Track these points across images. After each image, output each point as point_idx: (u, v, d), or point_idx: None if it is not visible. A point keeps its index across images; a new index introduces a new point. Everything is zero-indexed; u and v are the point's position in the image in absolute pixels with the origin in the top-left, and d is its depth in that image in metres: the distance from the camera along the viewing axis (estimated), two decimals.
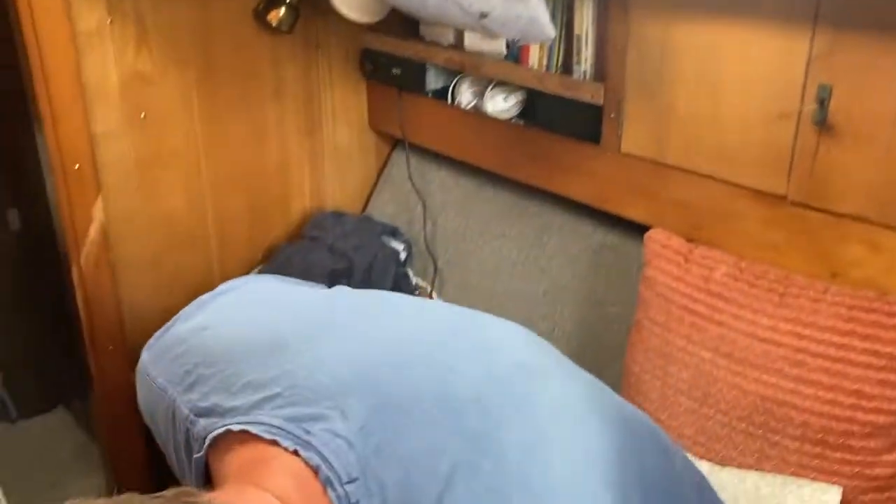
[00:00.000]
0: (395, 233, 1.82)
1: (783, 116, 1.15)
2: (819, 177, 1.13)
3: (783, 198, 1.18)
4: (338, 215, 1.85)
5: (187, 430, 0.73)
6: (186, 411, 0.73)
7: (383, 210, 1.93)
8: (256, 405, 0.68)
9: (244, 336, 0.76)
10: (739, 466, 1.13)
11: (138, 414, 1.70)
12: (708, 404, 1.17)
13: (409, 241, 1.81)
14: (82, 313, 1.66)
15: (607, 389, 0.79)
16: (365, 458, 0.62)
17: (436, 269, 1.79)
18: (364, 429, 0.63)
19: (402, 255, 1.78)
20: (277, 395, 0.68)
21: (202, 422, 0.71)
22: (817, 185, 1.14)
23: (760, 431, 1.11)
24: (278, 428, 0.64)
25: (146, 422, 0.84)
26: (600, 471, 0.65)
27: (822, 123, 1.10)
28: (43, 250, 2.14)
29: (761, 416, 1.11)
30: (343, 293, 0.87)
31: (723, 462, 1.15)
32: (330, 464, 0.61)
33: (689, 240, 1.29)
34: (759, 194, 1.21)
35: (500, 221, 1.72)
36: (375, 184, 1.98)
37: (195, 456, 0.70)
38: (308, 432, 0.63)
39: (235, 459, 0.66)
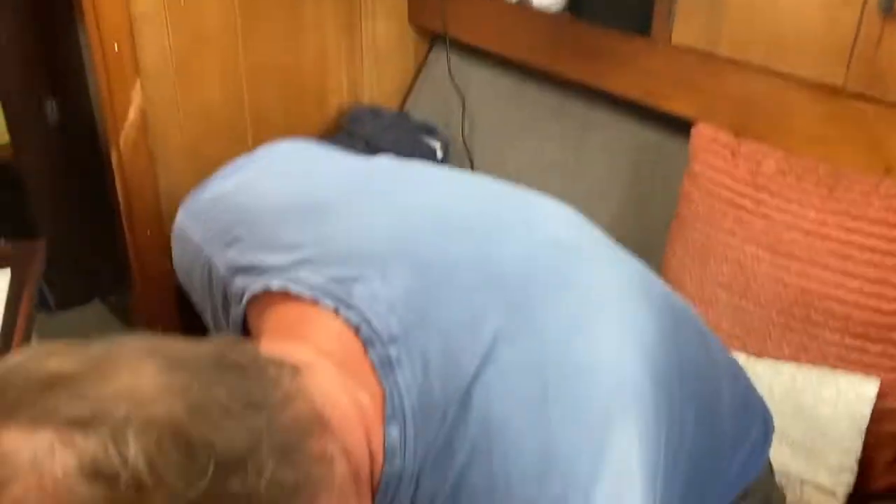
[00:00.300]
0: (432, 131, 1.80)
1: (846, 3, 1.11)
2: (880, 66, 1.09)
3: (840, 89, 1.14)
4: (375, 110, 1.83)
5: (224, 288, 0.72)
6: (223, 270, 0.71)
7: (421, 108, 1.90)
8: (295, 265, 0.66)
9: (282, 197, 0.75)
10: (776, 359, 1.12)
11: (176, 302, 1.73)
12: (747, 297, 1.16)
13: (447, 140, 1.79)
14: (121, 197, 1.67)
15: (652, 274, 0.78)
16: (407, 322, 0.60)
17: (472, 168, 1.78)
18: (406, 293, 0.62)
19: (439, 154, 1.77)
20: (317, 256, 0.66)
21: (239, 280, 0.69)
22: (878, 76, 1.10)
23: (800, 325, 1.10)
24: (319, 287, 0.63)
25: (182, 283, 0.83)
26: (642, 355, 0.64)
27: (889, 10, 1.06)
28: (81, 144, 2.15)
29: (802, 310, 1.10)
30: (384, 161, 0.85)
31: (759, 355, 1.14)
32: (371, 324, 0.60)
33: (737, 135, 1.26)
34: (814, 86, 1.17)
35: (540, 120, 1.69)
36: (413, 81, 1.95)
37: (233, 314, 0.69)
38: (349, 293, 0.62)
39: (274, 317, 0.65)
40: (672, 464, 0.64)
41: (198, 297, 0.78)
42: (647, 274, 0.77)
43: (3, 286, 1.14)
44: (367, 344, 0.60)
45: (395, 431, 0.57)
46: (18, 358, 0.47)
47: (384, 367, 0.59)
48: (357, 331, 0.60)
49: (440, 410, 0.57)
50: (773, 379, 1.09)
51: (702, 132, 1.28)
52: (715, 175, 1.23)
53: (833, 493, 1.03)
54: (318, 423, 0.52)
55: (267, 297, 0.66)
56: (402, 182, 0.77)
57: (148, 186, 1.68)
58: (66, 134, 2.33)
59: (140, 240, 1.73)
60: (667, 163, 1.45)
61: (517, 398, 0.58)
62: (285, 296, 0.64)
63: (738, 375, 0.82)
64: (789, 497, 0.99)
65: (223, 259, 0.72)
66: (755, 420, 0.82)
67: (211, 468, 0.44)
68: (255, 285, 0.67)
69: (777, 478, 0.91)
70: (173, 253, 0.82)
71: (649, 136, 1.50)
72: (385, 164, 0.82)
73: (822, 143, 1.18)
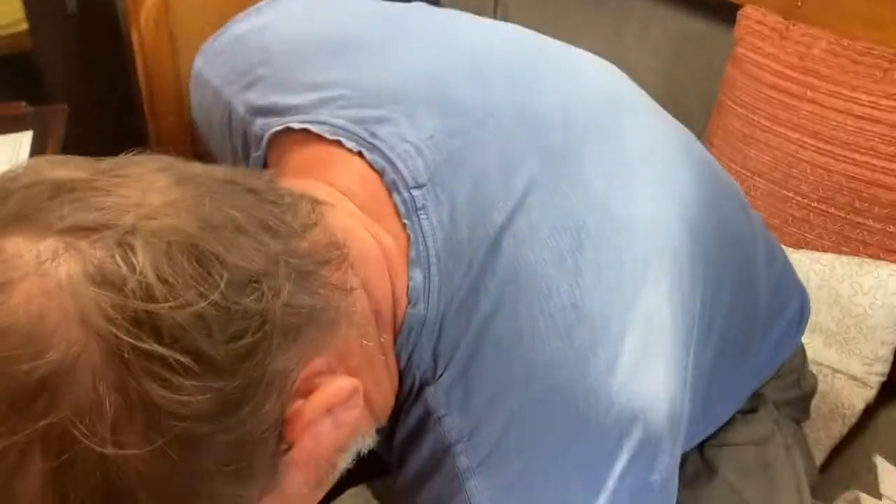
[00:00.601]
0: None
1: None
2: None
3: None
4: None
5: (244, 131, 0.68)
6: (242, 111, 0.68)
7: None
8: (318, 104, 0.63)
9: (307, 36, 0.70)
10: (815, 248, 1.09)
11: None
12: (788, 186, 1.12)
13: None
14: (142, 80, 1.64)
15: (694, 138, 0.74)
16: (434, 166, 0.57)
17: None
18: (434, 137, 0.59)
19: None
20: (341, 97, 0.62)
21: (259, 121, 0.66)
22: None
23: (842, 213, 1.07)
24: (342, 128, 0.60)
25: (202, 133, 0.80)
26: (682, 212, 0.61)
27: None
28: (101, 33, 2.10)
29: (846, 197, 1.06)
30: (419, 4, 0.79)
31: (798, 245, 1.11)
32: (396, 167, 0.57)
33: (786, 18, 1.20)
34: None
35: (576, 10, 1.62)
36: None
37: (253, 157, 0.67)
38: (374, 135, 0.59)
39: (294, 159, 0.62)
40: (706, 328, 0.61)
41: (217, 146, 0.75)
42: (690, 136, 0.73)
43: (25, 148, 1.12)
44: (391, 187, 0.57)
45: (418, 276, 0.54)
46: (22, 168, 0.44)
47: (409, 212, 0.56)
48: (381, 174, 0.57)
49: (466, 257, 0.54)
50: (809, 268, 1.06)
51: (748, 14, 1.22)
52: (761, 59, 1.18)
53: (865, 383, 1.01)
54: (338, 254, 0.50)
55: (288, 139, 0.63)
56: (437, 26, 0.73)
57: (169, 69, 1.64)
58: (85, 22, 2.27)
59: (162, 125, 1.70)
60: (709, 52, 1.39)
61: (548, 248, 0.55)
62: (307, 137, 0.61)
63: (776, 251, 0.79)
64: (821, 387, 0.97)
65: (242, 100, 0.68)
66: (791, 298, 0.79)
67: (223, 283, 0.41)
68: (275, 126, 0.63)
69: (809, 367, 0.90)
70: (192, 102, 0.78)
71: (691, 24, 1.44)
72: (420, 7, 0.77)
73: (877, 27, 1.11)
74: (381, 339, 0.54)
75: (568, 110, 0.63)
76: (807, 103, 1.11)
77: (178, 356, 0.39)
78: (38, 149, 1.12)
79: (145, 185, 0.44)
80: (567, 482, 0.52)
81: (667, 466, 0.55)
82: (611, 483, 0.52)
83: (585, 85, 0.68)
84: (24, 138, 1.16)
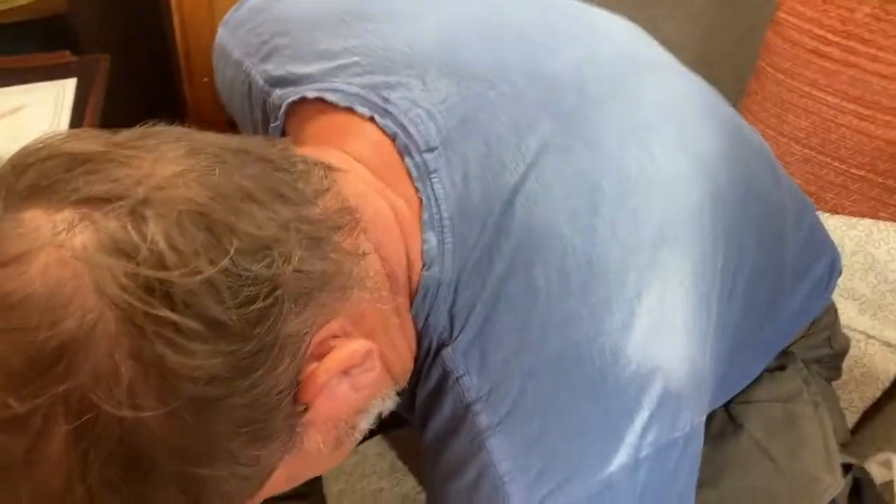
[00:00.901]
0: None
1: None
2: None
3: None
4: None
5: (263, 102, 0.69)
6: (261, 82, 0.69)
7: None
8: (331, 72, 0.63)
9: (322, 5, 0.71)
10: (851, 215, 1.08)
11: None
12: (825, 153, 1.10)
13: None
14: (179, 39, 1.64)
15: (719, 96, 0.72)
16: (446, 130, 0.57)
17: None
18: (446, 101, 0.59)
19: None
20: (354, 64, 0.63)
21: (277, 91, 0.67)
22: None
23: (881, 179, 1.05)
24: (354, 95, 0.60)
25: (224, 103, 0.81)
26: (702, 172, 0.60)
27: None
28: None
29: (885, 163, 1.04)
30: None
31: (834, 211, 1.10)
32: (408, 132, 0.57)
33: None
34: None
35: None
36: None
37: (272, 126, 0.68)
38: (386, 100, 0.59)
39: (312, 127, 0.63)
40: (729, 285, 0.61)
41: (239, 117, 0.76)
42: (712, 92, 0.71)
43: (69, 96, 1.13)
44: (403, 152, 0.57)
45: (432, 238, 0.55)
46: (38, 142, 0.45)
47: (421, 175, 0.56)
48: (394, 139, 0.58)
49: (480, 219, 0.55)
50: (845, 233, 1.04)
51: None
52: (802, 23, 1.15)
53: None
54: (350, 220, 0.50)
55: (304, 109, 0.64)
56: None
57: (206, 30, 1.65)
58: None
59: (197, 86, 1.71)
60: (747, 19, 1.37)
61: (563, 209, 0.55)
62: (322, 106, 0.62)
63: (806, 208, 0.77)
64: (854, 352, 0.96)
65: (261, 71, 0.69)
66: (821, 256, 0.77)
67: (233, 250, 0.42)
68: (291, 96, 0.64)
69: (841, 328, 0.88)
70: (215, 74, 0.79)
71: None
72: None
73: None
74: (396, 303, 0.54)
75: (582, 70, 0.62)
76: (848, 68, 1.08)
77: (189, 322, 0.40)
78: (81, 96, 1.13)
79: (157, 156, 0.44)
80: (587, 438, 0.52)
81: (690, 423, 0.55)
82: (631, 439, 0.52)
83: (601, 44, 0.67)
84: (69, 85, 1.16)
